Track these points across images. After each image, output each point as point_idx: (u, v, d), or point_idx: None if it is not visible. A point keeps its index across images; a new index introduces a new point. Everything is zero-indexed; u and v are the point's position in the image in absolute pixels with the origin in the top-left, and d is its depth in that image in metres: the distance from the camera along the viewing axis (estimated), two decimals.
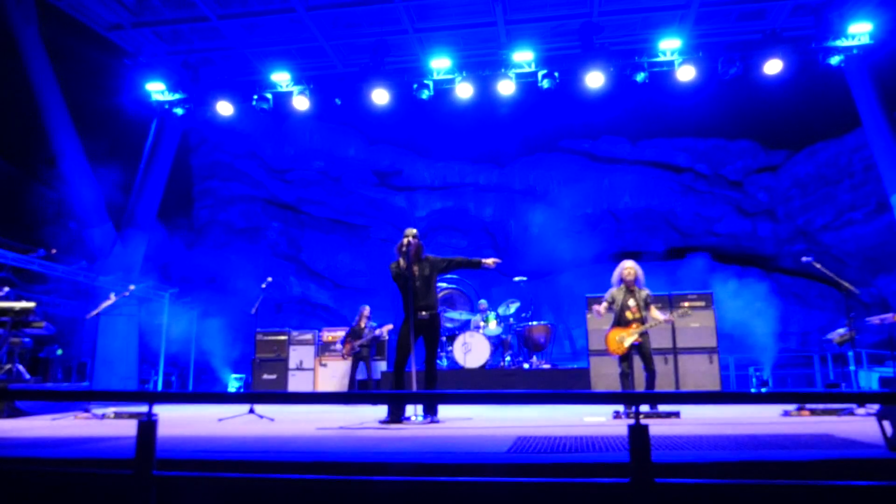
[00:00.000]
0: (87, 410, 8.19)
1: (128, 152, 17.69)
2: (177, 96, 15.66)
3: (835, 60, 13.66)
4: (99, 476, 3.73)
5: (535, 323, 12.70)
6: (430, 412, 6.95)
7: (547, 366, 12.42)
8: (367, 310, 11.81)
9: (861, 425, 5.84)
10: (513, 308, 13.07)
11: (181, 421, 7.52)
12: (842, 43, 13.61)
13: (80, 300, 15.51)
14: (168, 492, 3.46)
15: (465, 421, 7.02)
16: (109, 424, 7.25)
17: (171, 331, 16.09)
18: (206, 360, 17.01)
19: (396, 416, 6.69)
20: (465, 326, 12.81)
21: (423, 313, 6.98)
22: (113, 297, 9.11)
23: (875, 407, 4.70)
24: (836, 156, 21.20)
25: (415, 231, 7.10)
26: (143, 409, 3.31)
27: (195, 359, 16.92)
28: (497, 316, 12.77)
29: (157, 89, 15.76)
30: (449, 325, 12.72)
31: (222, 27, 15.36)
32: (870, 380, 14.36)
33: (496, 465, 3.70)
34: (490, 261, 7.26)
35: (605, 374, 11.51)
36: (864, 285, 18.98)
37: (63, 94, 15.13)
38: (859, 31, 13.58)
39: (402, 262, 6.93)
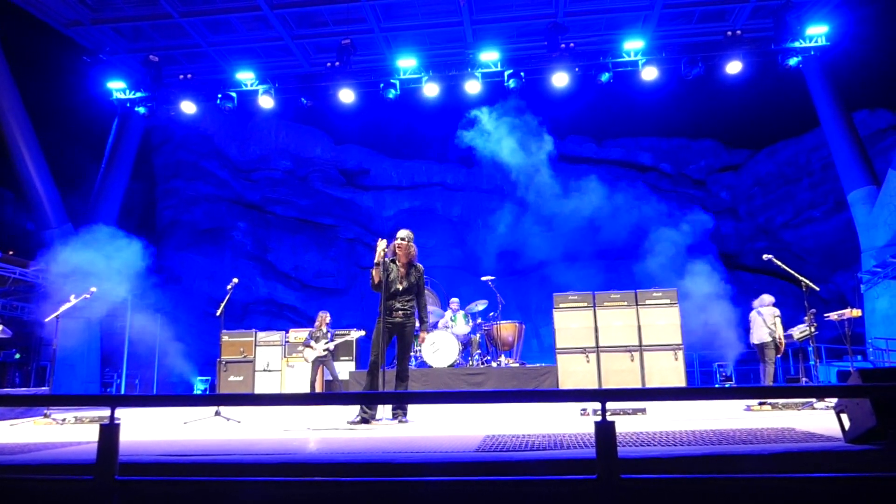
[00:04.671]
0: (46, 415, 8.01)
1: (88, 151, 17.35)
2: (138, 94, 15.38)
3: (793, 61, 13.97)
4: (59, 482, 3.65)
5: (502, 322, 12.75)
6: (400, 412, 6.96)
7: (515, 364, 12.47)
8: (327, 316, 11.73)
9: (820, 418, 5.98)
10: (480, 307, 13.10)
11: (145, 425, 7.39)
12: (800, 44, 13.92)
13: (39, 303, 15.15)
14: (131, 497, 3.40)
15: (434, 420, 7.02)
16: (70, 429, 7.10)
17: (133, 333, 15.79)
18: (171, 362, 16.75)
19: (366, 416, 6.69)
20: (433, 326, 12.80)
21: (399, 314, 7.05)
22: (73, 300, 8.91)
23: (833, 400, 4.81)
24: (795, 155, 21.69)
25: (411, 234, 7.17)
26: (106, 413, 3.25)
27: (159, 361, 16.64)
28: (465, 315, 12.80)
29: (118, 87, 15.46)
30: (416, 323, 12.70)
31: (185, 25, 15.14)
32: (829, 374, 14.70)
33: (465, 464, 3.70)
34: (422, 336, 7.39)
35: (572, 372, 11.60)
36: (823, 282, 19.44)
37: (20, 91, 14.76)
38: (816, 32, 13.90)
39: (400, 265, 7.04)
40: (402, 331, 7.09)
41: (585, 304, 11.96)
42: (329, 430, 6.19)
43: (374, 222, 23.50)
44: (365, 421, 6.63)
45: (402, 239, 7.08)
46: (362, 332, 12.23)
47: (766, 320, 10.26)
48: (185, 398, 5.66)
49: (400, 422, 6.78)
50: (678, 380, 11.34)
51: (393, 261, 7.11)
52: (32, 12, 14.61)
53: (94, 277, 12.45)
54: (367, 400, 6.58)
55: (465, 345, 12.78)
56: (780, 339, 10.19)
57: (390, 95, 14.72)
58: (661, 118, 21.77)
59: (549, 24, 14.48)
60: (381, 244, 6.93)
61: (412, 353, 12.53)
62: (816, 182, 21.08)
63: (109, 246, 13.63)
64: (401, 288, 7.03)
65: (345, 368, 12.85)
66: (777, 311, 10.36)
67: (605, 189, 18.89)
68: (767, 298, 10.57)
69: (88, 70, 15.32)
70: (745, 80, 14.55)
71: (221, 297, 8.97)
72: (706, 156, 23.32)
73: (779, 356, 10.46)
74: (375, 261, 6.95)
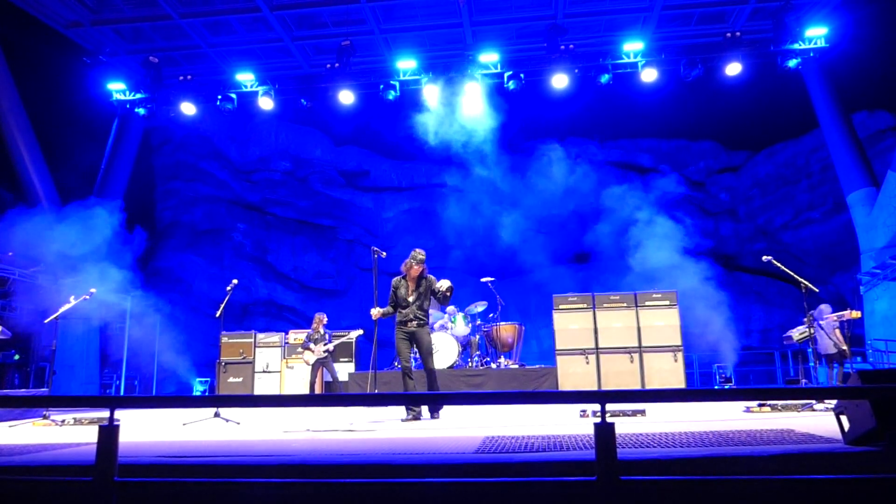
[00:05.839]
0: (45, 417, 8.00)
1: (88, 152, 17.33)
2: (138, 96, 15.39)
3: (792, 63, 13.98)
4: (58, 483, 3.64)
5: (502, 323, 12.74)
6: (414, 411, 7.31)
7: (515, 365, 12.46)
8: (324, 318, 11.74)
9: (820, 420, 5.98)
10: (480, 308, 13.09)
11: (144, 426, 7.39)
12: (799, 46, 13.93)
13: (39, 304, 15.13)
14: (130, 498, 3.39)
15: (433, 421, 7.03)
16: (69, 431, 7.09)
17: (133, 334, 15.77)
18: (170, 363, 16.73)
19: (415, 413, 7.28)
20: (431, 328, 12.79)
21: (413, 323, 7.71)
22: (73, 301, 8.91)
23: (833, 402, 4.81)
24: (794, 156, 21.70)
25: (423, 256, 7.78)
26: (105, 414, 3.25)
27: (158, 363, 16.62)
28: (465, 316, 12.79)
29: (118, 88, 15.46)
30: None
31: (185, 26, 15.14)
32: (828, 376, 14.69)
33: (464, 466, 3.70)
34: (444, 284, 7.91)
35: (572, 373, 11.60)
36: (822, 283, 19.43)
37: (20, 92, 14.76)
38: (815, 34, 13.92)
39: (409, 280, 7.74)
40: (417, 337, 7.75)
41: (585, 306, 11.95)
42: (329, 431, 6.19)
43: (373, 223, 23.49)
44: (416, 418, 7.19)
45: (413, 259, 7.76)
46: (361, 332, 12.22)
47: (828, 332, 10.38)
48: (185, 399, 5.66)
49: (414, 419, 7.13)
50: (678, 381, 11.34)
51: (403, 278, 7.82)
52: (32, 13, 14.60)
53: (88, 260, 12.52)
54: (373, 401, 6.86)
55: (465, 346, 12.77)
56: (845, 349, 10.33)
57: (390, 97, 14.72)
58: (661, 119, 21.76)
59: (549, 25, 14.49)
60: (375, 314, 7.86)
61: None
62: (815, 183, 21.08)
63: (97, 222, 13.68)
64: (411, 300, 7.72)
65: (344, 370, 12.84)
66: (836, 322, 10.48)
67: (604, 190, 18.88)
68: (826, 309, 10.57)
69: (88, 71, 15.32)
70: (745, 82, 14.56)
71: (221, 298, 8.98)
72: (705, 157, 23.32)
73: (846, 360, 10.62)
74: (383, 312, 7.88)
